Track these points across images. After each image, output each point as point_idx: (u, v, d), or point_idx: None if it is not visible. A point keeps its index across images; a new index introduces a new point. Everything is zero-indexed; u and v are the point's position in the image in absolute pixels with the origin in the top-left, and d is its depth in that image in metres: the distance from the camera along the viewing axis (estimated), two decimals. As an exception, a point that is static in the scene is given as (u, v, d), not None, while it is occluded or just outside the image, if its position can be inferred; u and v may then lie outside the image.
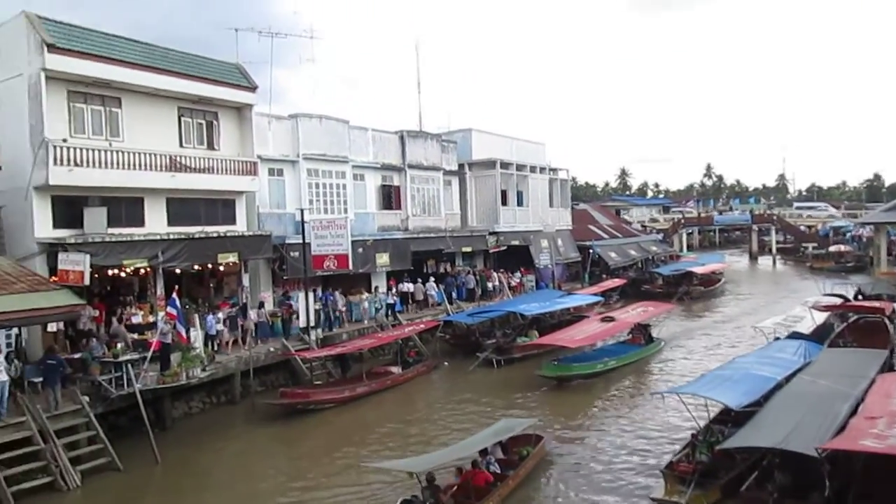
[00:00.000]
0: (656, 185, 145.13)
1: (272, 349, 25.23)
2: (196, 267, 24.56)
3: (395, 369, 25.48)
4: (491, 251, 39.02)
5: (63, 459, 16.53)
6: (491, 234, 38.98)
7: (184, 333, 21.06)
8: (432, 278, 34.84)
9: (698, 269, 46.06)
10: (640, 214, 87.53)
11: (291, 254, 27.55)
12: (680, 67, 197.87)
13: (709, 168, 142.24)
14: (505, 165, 40.47)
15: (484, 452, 14.98)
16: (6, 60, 21.41)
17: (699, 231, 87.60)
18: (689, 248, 77.39)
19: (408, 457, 15.80)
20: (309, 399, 22.34)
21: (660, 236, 63.36)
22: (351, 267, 27.98)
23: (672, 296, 40.82)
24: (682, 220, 75.81)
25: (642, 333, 28.21)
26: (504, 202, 40.21)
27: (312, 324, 26.82)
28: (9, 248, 21.23)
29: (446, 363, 27.64)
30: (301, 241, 26.93)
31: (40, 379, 18.45)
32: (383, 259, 31.94)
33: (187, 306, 22.88)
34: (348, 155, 31.68)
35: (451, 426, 19.73)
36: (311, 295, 27.30)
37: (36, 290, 18.13)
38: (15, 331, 19.43)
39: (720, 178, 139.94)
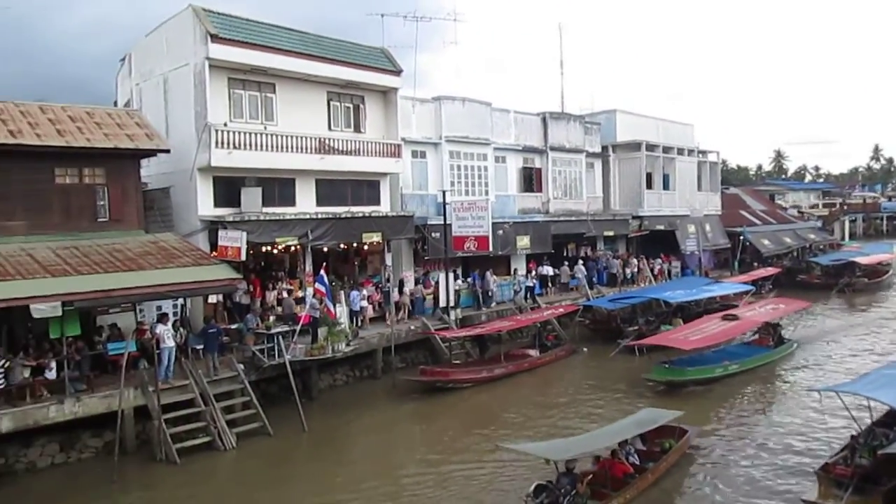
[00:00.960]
0: (816, 169, 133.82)
1: (413, 327, 25.47)
2: (342, 245, 25.15)
3: (533, 352, 25.12)
4: (630, 236, 37.89)
5: (221, 422, 17.25)
6: (634, 217, 37.76)
7: (332, 308, 21.31)
8: (580, 261, 34.16)
9: (862, 260, 42.22)
10: (796, 199, 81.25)
11: (433, 234, 27.63)
12: (845, 41, 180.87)
13: (876, 150, 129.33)
14: (651, 147, 38.93)
15: (623, 443, 14.30)
16: (174, 51, 22.61)
17: (863, 218, 80.00)
18: (852, 236, 71.29)
19: (544, 440, 15.45)
20: (448, 377, 22.40)
21: (818, 223, 58.14)
22: (491, 249, 27.71)
23: (831, 288, 38.02)
24: (845, 207, 69.37)
25: (771, 334, 25.41)
26: (649, 185, 38.78)
27: (452, 304, 26.87)
28: (176, 224, 22.45)
29: (585, 349, 27.00)
30: (442, 222, 26.97)
31: (201, 346, 19.37)
32: (523, 242, 31.54)
33: (333, 283, 23.12)
34: (490, 137, 31.37)
35: (590, 413, 19.27)
36: (450, 275, 27.25)
37: (199, 264, 18.88)
38: (180, 301, 20.35)
39: (890, 160, 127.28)
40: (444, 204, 26.97)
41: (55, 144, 19.12)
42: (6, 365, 16.17)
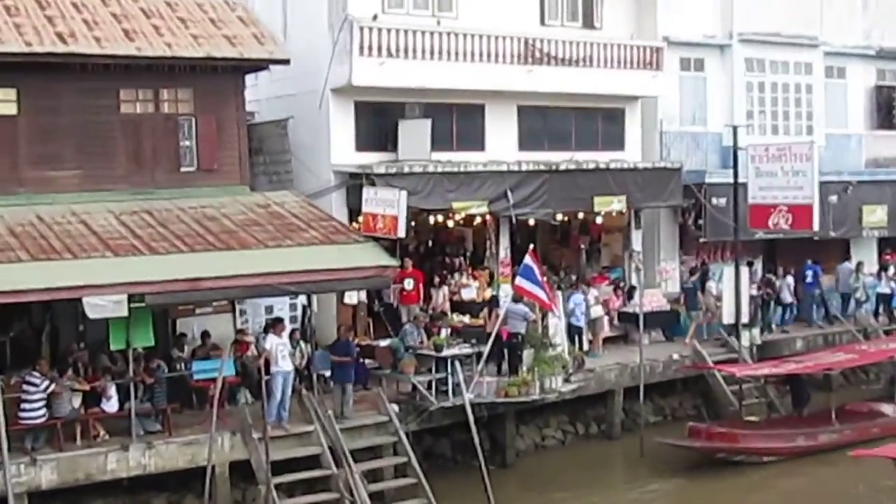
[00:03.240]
0: None
1: (675, 356, 25.15)
2: (559, 217, 25.16)
3: (890, 409, 24.01)
4: None
5: (361, 493, 17.45)
6: None
7: (542, 313, 22.02)
8: None
9: None
10: None
11: (713, 201, 27.23)
12: None
13: None
14: None
15: None
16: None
17: None
18: None
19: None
20: (736, 445, 21.98)
21: None
22: (816, 227, 26.59)
23: None
24: None
25: None
26: None
27: (746, 319, 25.95)
28: (297, 178, 23.29)
29: None
30: (731, 179, 26.21)
31: (328, 372, 19.87)
32: (875, 216, 30.39)
33: (545, 278, 22.86)
34: (818, 34, 30.18)
35: None
36: (743, 271, 26.25)
37: (332, 242, 19.38)
38: (302, 299, 20.83)
39: None
40: (735, 150, 26.13)
41: (120, 54, 19.88)
42: (49, 388, 16.85)
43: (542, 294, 21.35)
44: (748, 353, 26.15)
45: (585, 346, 24.35)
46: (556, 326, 22.87)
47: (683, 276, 28.57)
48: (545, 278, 22.66)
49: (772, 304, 28.47)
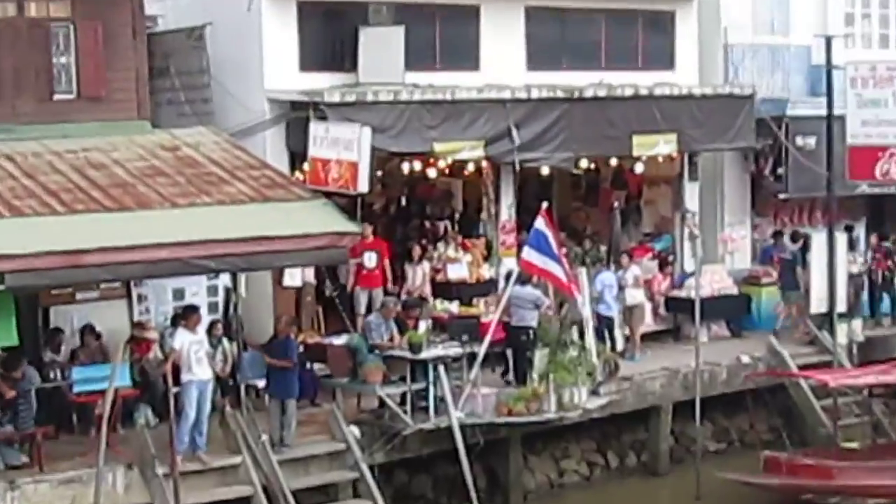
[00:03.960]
0: None
1: (745, 358, 24.38)
2: (584, 164, 24.82)
3: None
4: None
5: None
6: None
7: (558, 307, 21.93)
8: None
9: None
10: None
11: (798, 141, 26.36)
12: None
13: None
14: None
15: None
16: None
17: None
18: None
19: None
20: (830, 482, 21.04)
21: None
22: None
23: None
24: None
25: None
26: None
27: (842, 307, 25.34)
28: (217, 109, 22.53)
29: None
30: (823, 111, 25.39)
31: (262, 381, 19.29)
32: None
33: (563, 249, 22.04)
34: None
35: None
36: (841, 239, 25.68)
37: (265, 199, 18.87)
38: (224, 280, 20.60)
39: None
40: (830, 70, 25.33)
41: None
42: None
43: (558, 271, 20.67)
44: (846, 355, 25.37)
45: (620, 345, 23.76)
46: (580, 318, 21.89)
47: (756, 246, 27.75)
48: (563, 250, 22.09)
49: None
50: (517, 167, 23.47)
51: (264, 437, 17.85)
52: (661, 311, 25.60)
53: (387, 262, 22.97)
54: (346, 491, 18.35)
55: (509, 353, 21.32)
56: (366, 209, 22.41)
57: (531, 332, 20.94)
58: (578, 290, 21.82)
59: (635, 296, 24.26)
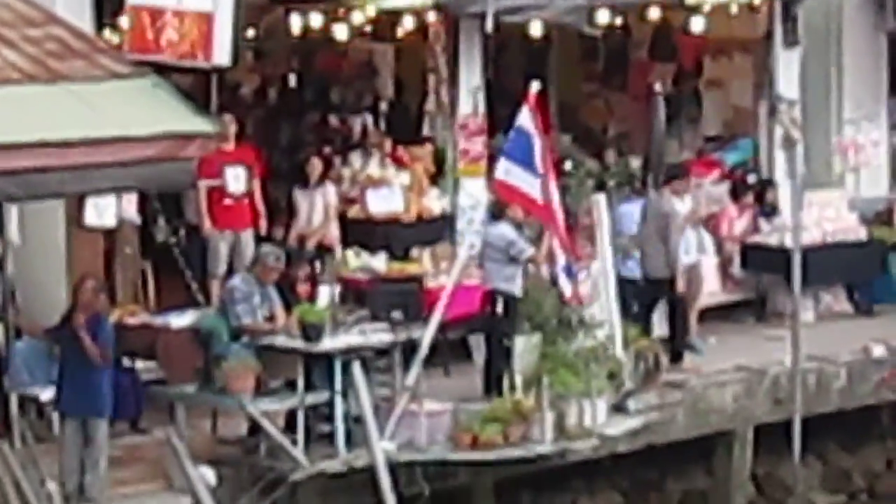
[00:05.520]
0: None
1: (878, 350, 22.08)
2: (602, 18, 22.69)
3: None
4: None
5: None
6: None
7: (565, 267, 19.38)
8: None
9: None
10: None
11: None
12: None
13: None
14: None
15: None
16: None
17: None
18: None
19: None
20: None
21: None
22: None
23: None
24: None
25: None
26: None
27: None
28: None
29: None
30: None
31: (49, 391, 17.66)
32: None
33: (567, 163, 21.52)
34: None
35: None
36: None
37: (54, 76, 16.84)
38: None
39: None
40: None
41: None
42: None
43: (535, 192, 18.69)
44: None
45: (660, 328, 20.96)
46: (599, 281, 19.84)
47: None
48: (556, 161, 20.70)
49: None
50: (488, 25, 20.60)
51: (51, 486, 15.19)
52: (736, 270, 22.76)
53: (257, 184, 20.67)
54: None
55: (474, 340, 19.40)
56: (227, 94, 21.90)
57: (509, 304, 18.43)
58: (571, 239, 19.68)
59: (690, 244, 21.33)
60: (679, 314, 20.85)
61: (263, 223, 20.72)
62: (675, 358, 20.09)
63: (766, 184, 23.24)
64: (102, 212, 19.22)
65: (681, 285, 20.58)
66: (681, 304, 21.12)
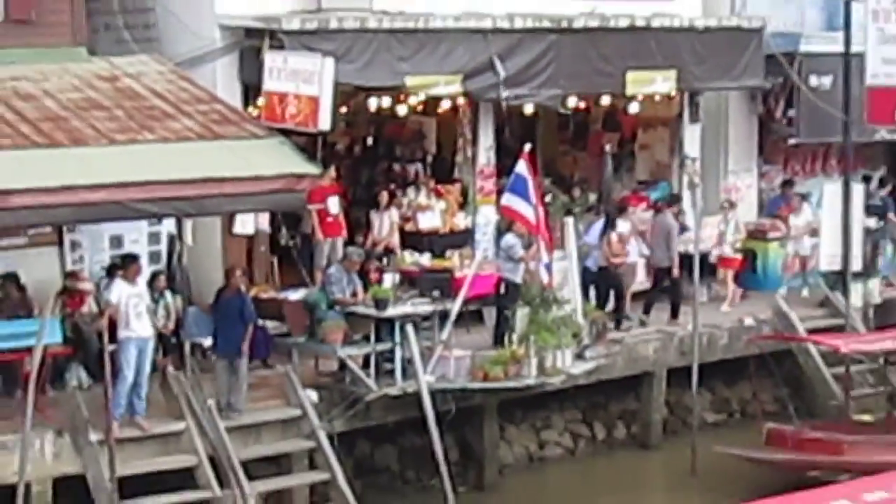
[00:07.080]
0: None
1: (749, 320, 25.61)
2: (573, 102, 25.38)
3: None
4: None
5: None
6: None
7: (545, 264, 22.29)
8: None
9: None
10: None
11: (812, 81, 27.53)
12: None
13: None
14: None
15: None
16: None
17: None
18: None
19: None
20: (840, 458, 21.66)
21: None
22: None
23: None
24: None
25: None
26: None
27: (857, 266, 26.30)
28: (163, 34, 23.05)
29: None
30: (840, 48, 26.33)
31: (208, 340, 19.97)
32: None
33: (548, 199, 23.78)
34: None
35: None
36: (857, 190, 26.53)
37: (215, 136, 19.56)
38: (168, 227, 21.46)
39: None
40: (848, 0, 26.08)
41: None
42: None
43: (529, 214, 21.93)
44: (860, 318, 26.41)
45: (609, 304, 24.52)
46: (565, 275, 23.24)
47: (763, 197, 28.92)
48: (541, 195, 23.26)
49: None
50: (501, 105, 24.23)
51: (211, 402, 18.45)
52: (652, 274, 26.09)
53: (339, 208, 23.78)
54: (301, 462, 19.22)
55: (487, 311, 22.89)
56: (327, 149, 23.50)
57: (508, 286, 22.09)
58: (550, 244, 22.99)
59: (631, 255, 25.16)
60: (622, 295, 24.74)
61: (347, 233, 23.87)
62: (617, 324, 24.15)
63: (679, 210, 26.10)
64: (245, 224, 22.56)
65: (675, 272, 24.98)
66: (622, 287, 24.94)
